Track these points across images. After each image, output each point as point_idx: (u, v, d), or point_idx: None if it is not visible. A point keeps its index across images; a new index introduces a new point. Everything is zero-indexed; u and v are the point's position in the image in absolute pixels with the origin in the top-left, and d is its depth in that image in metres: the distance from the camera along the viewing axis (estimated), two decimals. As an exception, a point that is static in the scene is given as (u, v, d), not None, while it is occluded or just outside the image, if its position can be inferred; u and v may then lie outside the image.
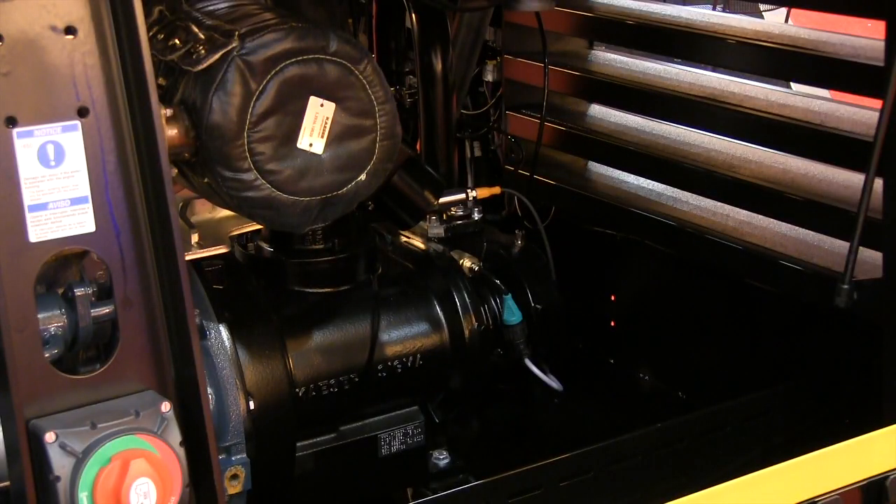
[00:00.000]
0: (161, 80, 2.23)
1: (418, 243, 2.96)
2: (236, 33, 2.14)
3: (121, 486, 1.72)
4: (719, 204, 3.01)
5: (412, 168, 2.84)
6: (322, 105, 2.20)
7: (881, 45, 2.50)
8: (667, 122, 3.21)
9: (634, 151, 3.20)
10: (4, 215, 1.74)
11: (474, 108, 3.61)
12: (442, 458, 2.87)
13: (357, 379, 2.63)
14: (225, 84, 2.12)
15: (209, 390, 2.35)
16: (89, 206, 1.79)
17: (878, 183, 2.44)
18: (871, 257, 2.56)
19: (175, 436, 1.80)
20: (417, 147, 3.16)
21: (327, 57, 2.19)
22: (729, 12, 3.15)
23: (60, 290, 1.85)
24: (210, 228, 2.73)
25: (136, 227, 1.83)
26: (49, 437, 1.73)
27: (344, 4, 2.80)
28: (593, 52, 3.51)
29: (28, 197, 1.75)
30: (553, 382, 2.91)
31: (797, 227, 2.82)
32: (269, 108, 2.15)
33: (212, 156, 2.15)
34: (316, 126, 2.20)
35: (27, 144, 1.74)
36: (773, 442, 2.68)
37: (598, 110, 3.45)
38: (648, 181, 3.22)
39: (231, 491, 2.41)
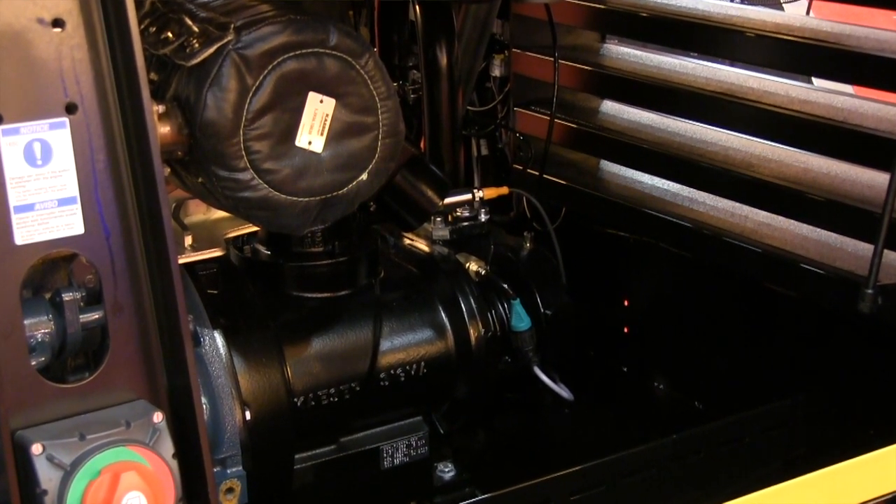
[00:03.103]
0: (153, 76, 2.23)
1: (422, 246, 2.96)
2: (232, 26, 2.14)
3: (111, 500, 1.72)
4: (737, 205, 3.01)
5: (416, 167, 2.83)
6: (321, 101, 2.20)
7: (907, 38, 2.50)
8: (682, 119, 3.21)
9: (648, 150, 3.20)
10: (-11, 217, 1.74)
11: (481, 105, 3.61)
12: (447, 470, 2.87)
13: (358, 388, 2.63)
14: (220, 79, 2.12)
15: (203, 400, 2.35)
16: (78, 207, 1.79)
17: (904, 182, 2.44)
18: (897, 260, 2.56)
19: (168, 447, 1.80)
20: (421, 145, 3.16)
21: (327, 51, 2.19)
22: (748, 4, 3.14)
23: (48, 295, 1.85)
24: (204, 230, 2.73)
25: (126, 229, 1.82)
26: (36, 448, 1.73)
27: (344, -4, 2.81)
28: (605, 45, 3.51)
29: (14, 197, 1.75)
30: (563, 391, 2.91)
31: (819, 229, 2.82)
32: (266, 105, 2.15)
33: (206, 154, 2.15)
34: (315, 123, 2.20)
35: (13, 142, 1.74)
36: (794, 454, 2.67)
37: (610, 107, 3.44)
38: (663, 181, 3.22)
39: (226, 505, 2.42)
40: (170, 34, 2.22)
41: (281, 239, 2.67)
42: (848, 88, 3.12)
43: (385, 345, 2.68)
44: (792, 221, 2.88)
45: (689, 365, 3.20)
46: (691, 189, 3.14)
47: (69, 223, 1.79)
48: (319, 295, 2.68)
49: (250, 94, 2.14)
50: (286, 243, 2.67)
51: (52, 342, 1.83)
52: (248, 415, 2.43)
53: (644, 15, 3.22)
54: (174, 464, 1.80)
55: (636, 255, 3.32)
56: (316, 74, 2.19)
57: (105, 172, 1.81)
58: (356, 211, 2.43)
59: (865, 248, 2.63)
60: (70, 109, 1.77)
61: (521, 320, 2.84)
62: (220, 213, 2.73)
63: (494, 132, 3.62)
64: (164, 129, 2.14)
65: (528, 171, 3.47)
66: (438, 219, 3.00)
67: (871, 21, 2.90)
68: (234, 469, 2.42)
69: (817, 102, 2.88)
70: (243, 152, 2.15)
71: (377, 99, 2.26)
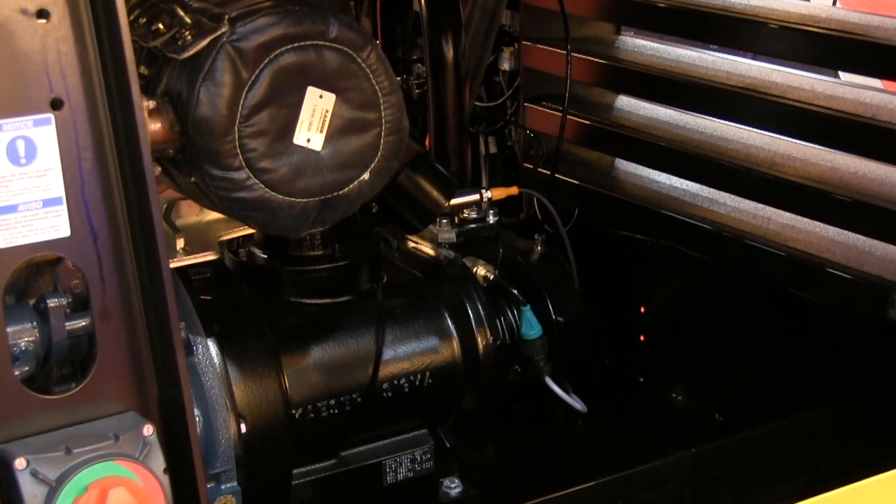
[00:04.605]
0: (143, 69, 2.23)
1: (427, 249, 2.96)
2: (226, 17, 2.14)
3: (98, 517, 1.72)
4: (760, 206, 3.00)
5: (420, 166, 2.83)
6: (321, 96, 2.20)
7: (939, 29, 2.50)
8: (702, 116, 3.21)
9: (666, 148, 3.20)
10: (-30, 218, 1.74)
11: (489, 100, 3.61)
12: (453, 486, 2.87)
13: (360, 399, 2.63)
14: (214, 73, 2.12)
15: (196, 412, 2.35)
16: (64, 209, 1.79)
17: (937, 182, 2.44)
18: (929, 265, 2.55)
19: (159, 462, 1.80)
20: (426, 143, 3.16)
21: (327, 43, 2.19)
22: (770, -6, 3.16)
23: (32, 301, 1.85)
24: (197, 233, 2.72)
25: (115, 232, 1.82)
26: (19, 463, 1.72)
27: (345, -15, 2.81)
28: (621, 37, 3.50)
29: (-4, 198, 1.75)
30: (576, 403, 2.90)
31: (846, 232, 2.81)
32: (262, 100, 2.15)
33: (199, 152, 2.15)
34: (314, 120, 2.20)
35: (-5, 140, 1.74)
36: (820, 469, 2.67)
37: (625, 102, 3.44)
38: (681, 180, 3.22)
39: (220, 522, 2.42)
40: (161, 25, 2.22)
41: (278, 242, 2.67)
42: (877, 83, 3.12)
43: (388, 354, 2.67)
44: (818, 223, 2.87)
45: (708, 375, 3.19)
46: (711, 189, 3.13)
47: (54, 225, 1.79)
48: (319, 301, 2.67)
49: (246, 89, 2.13)
50: (284, 246, 2.67)
51: (37, 351, 1.83)
52: (243, 427, 2.43)
53: (661, 5, 3.21)
54: (165, 479, 1.80)
55: (653, 259, 3.31)
56: (315, 68, 2.19)
57: (92, 172, 1.80)
58: (357, 212, 2.43)
59: (895, 252, 2.63)
60: (55, 105, 1.77)
61: (531, 328, 2.84)
62: (214, 215, 2.72)
63: (503, 129, 3.62)
64: (155, 126, 2.14)
65: (539, 170, 3.46)
66: (444, 220, 2.99)
67: (902, 12, 2.89)
68: (228, 485, 2.42)
69: (844, 98, 2.88)
70: (238, 150, 2.15)
71: (380, 94, 2.26)
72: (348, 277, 2.69)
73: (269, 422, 2.47)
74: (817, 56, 2.95)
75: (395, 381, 2.68)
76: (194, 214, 2.77)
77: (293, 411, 2.55)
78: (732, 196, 3.08)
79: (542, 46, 3.47)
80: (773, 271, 2.90)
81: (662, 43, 3.38)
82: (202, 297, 2.51)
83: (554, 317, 2.90)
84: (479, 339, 2.75)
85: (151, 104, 2.14)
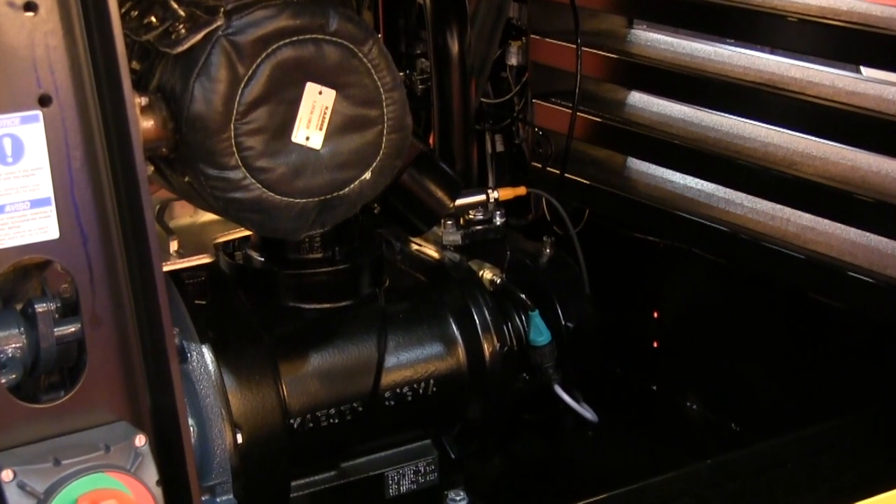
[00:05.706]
0: (135, 64, 2.23)
1: (431, 252, 2.96)
2: (221, 10, 2.14)
3: (88, 531, 1.72)
4: (778, 206, 3.00)
5: (424, 165, 2.83)
6: (320, 93, 2.20)
7: (966, 22, 2.49)
8: (718, 113, 3.20)
9: (680, 146, 3.19)
10: (-45, 220, 1.74)
11: (496, 97, 3.61)
12: (458, 499, 2.85)
13: (361, 408, 2.63)
14: (209, 68, 2.12)
15: (190, 421, 2.35)
16: (52, 209, 1.79)
17: (963, 182, 2.44)
18: (955, 268, 2.55)
19: (151, 474, 1.80)
20: (430, 141, 3.16)
21: (326, 37, 2.19)
22: (789, -14, 3.15)
23: (19, 306, 1.85)
24: (191, 235, 2.72)
25: (106, 234, 1.82)
26: (6, 475, 1.72)
27: (346, -23, 2.80)
28: (633, 31, 3.50)
29: (-18, 198, 1.75)
30: (586, 412, 2.90)
31: (868, 234, 2.81)
32: (259, 97, 2.15)
33: (194, 151, 2.15)
34: (313, 117, 2.20)
35: (-19, 138, 1.74)
36: (841, 480, 2.67)
37: (638, 99, 3.44)
38: (696, 180, 3.22)
39: (216, 537, 2.41)
40: (153, 19, 2.22)
41: (276, 244, 2.66)
42: (900, 78, 3.12)
43: (390, 361, 2.67)
44: (838, 225, 2.87)
45: (724, 382, 3.19)
46: (727, 189, 3.13)
47: (43, 227, 1.78)
48: (318, 306, 2.67)
49: (242, 85, 2.13)
50: (281, 249, 2.67)
51: (24, 358, 1.83)
52: (239, 438, 2.43)
53: (675, -3, 3.22)
54: (158, 492, 1.80)
55: (667, 262, 3.31)
56: (314, 63, 2.18)
57: (82, 171, 1.80)
58: (358, 213, 2.43)
59: (920, 255, 2.64)
60: (43, 101, 1.77)
61: (540, 334, 2.84)
62: (209, 216, 2.72)
63: (511, 127, 3.62)
64: (148, 124, 2.13)
65: (548, 169, 3.46)
66: (449, 222, 2.99)
67: (926, 4, 2.89)
68: (224, 497, 2.41)
69: (866, 94, 2.87)
70: (234, 149, 2.14)
71: (382, 90, 2.25)
72: (349, 281, 2.69)
73: (266, 432, 2.47)
74: (838, 50, 2.94)
75: (398, 390, 2.68)
76: (188, 216, 2.77)
77: (291, 421, 2.55)
78: (749, 196, 3.08)
79: (551, 40, 3.47)
80: (792, 275, 2.89)
81: (676, 37, 3.38)
82: (197, 301, 2.51)
83: (563, 322, 2.90)
84: (486, 346, 2.75)
85: (144, 100, 2.13)
